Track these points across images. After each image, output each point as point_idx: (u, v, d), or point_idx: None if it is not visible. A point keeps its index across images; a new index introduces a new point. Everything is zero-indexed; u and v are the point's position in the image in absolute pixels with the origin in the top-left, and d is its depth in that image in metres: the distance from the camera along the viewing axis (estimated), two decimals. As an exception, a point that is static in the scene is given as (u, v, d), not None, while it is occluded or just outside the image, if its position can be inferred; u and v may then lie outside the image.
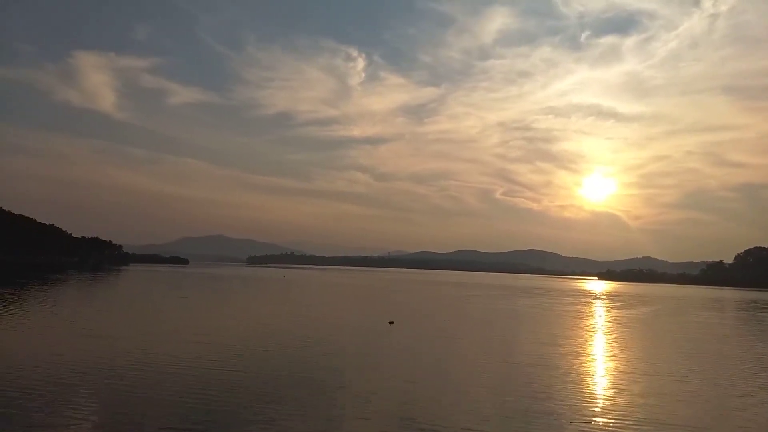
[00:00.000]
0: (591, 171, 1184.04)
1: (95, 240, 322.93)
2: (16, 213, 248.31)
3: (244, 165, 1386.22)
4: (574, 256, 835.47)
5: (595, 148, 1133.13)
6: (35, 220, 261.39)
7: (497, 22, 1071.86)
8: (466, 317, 60.54)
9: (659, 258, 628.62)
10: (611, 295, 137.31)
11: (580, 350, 36.64)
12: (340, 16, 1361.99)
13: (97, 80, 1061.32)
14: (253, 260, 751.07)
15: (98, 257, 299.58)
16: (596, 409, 20.72)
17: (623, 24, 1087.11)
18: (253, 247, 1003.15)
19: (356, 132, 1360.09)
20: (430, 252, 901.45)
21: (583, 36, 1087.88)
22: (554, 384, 24.76)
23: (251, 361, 27.64)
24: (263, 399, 20.12)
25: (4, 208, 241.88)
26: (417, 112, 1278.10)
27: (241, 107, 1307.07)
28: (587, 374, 28.07)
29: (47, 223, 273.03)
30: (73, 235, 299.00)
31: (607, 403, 21.83)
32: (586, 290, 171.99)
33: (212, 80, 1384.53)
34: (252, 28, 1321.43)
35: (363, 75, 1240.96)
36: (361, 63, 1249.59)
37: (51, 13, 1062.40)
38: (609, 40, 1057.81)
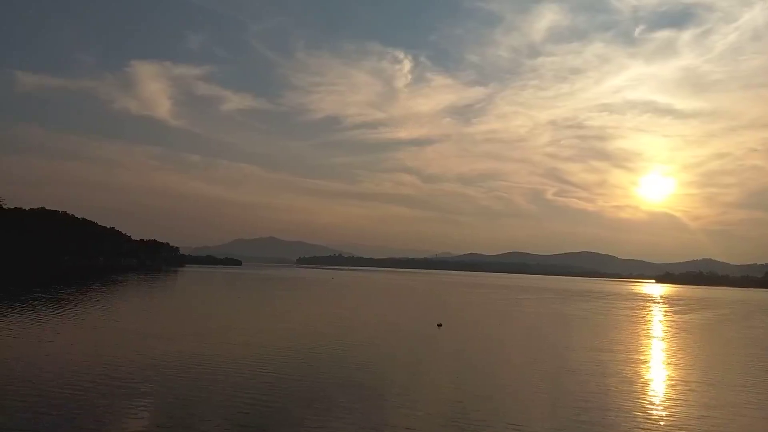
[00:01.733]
0: (648, 170, 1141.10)
1: (153, 242, 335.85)
2: (79, 217, 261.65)
3: (294, 169, 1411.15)
4: (631, 258, 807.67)
5: (652, 145, 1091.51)
6: (97, 223, 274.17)
7: (547, 19, 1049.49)
8: (517, 321, 59.40)
9: (720, 260, 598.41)
10: (670, 299, 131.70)
11: (637, 357, 35.25)
12: (386, 19, 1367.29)
13: (153, 88, 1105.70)
14: (303, 262, 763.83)
15: (156, 259, 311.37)
16: (653, 422, 19.81)
17: (679, 17, 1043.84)
18: (303, 248, 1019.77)
19: (402, 134, 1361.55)
20: (478, 254, 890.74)
21: (637, 30, 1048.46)
22: (609, 393, 23.84)
23: (301, 362, 27.95)
24: (312, 402, 20.28)
25: (68, 212, 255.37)
26: (464, 113, 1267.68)
27: (290, 112, 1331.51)
28: (645, 383, 26.94)
29: (108, 227, 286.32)
30: (132, 238, 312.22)
31: (665, 414, 20.82)
32: (643, 294, 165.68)
33: (262, 86, 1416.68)
34: (300, 35, 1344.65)
35: (409, 77, 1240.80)
36: (407, 65, 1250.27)
37: (109, 24, 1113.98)
38: (664, 34, 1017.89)
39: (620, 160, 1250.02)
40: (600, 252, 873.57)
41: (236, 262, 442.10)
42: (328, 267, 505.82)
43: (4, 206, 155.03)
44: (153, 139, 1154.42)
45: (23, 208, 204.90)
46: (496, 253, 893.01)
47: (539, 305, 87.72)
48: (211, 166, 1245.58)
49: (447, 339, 40.30)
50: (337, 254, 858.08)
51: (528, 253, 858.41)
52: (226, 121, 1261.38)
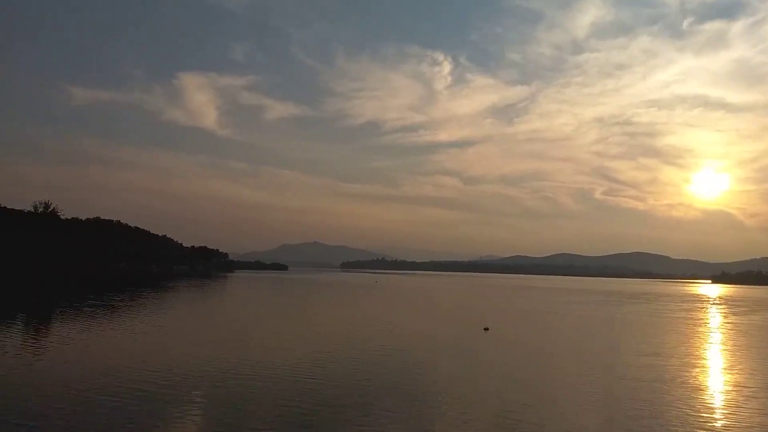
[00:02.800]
0: (700, 166, 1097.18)
1: (203, 249, 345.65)
2: (133, 226, 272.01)
3: (336, 174, 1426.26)
4: (684, 258, 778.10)
5: (704, 141, 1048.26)
6: (150, 231, 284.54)
7: (590, 14, 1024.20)
8: (566, 324, 58.16)
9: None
10: (728, 300, 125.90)
11: (694, 362, 33.93)
12: (425, 21, 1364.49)
13: (200, 99, 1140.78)
14: (346, 266, 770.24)
15: (206, 265, 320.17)
16: (710, 430, 19.06)
17: (729, 8, 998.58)
18: (346, 253, 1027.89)
19: (443, 136, 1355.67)
20: (523, 256, 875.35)
21: (685, 23, 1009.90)
22: (664, 400, 22.98)
23: (346, 367, 28.22)
24: (358, 407, 20.41)
25: (122, 221, 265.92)
26: (506, 113, 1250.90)
27: (331, 118, 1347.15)
28: (702, 389, 25.89)
29: (161, 235, 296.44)
30: (184, 245, 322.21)
31: (724, 423, 19.92)
32: (698, 295, 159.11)
33: (304, 94, 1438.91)
34: (340, 41, 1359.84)
35: (449, 78, 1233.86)
36: (447, 67, 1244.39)
37: (157, 38, 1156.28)
38: (714, 25, 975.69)
39: (671, 157, 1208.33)
40: (652, 252, 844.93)
41: (282, 267, 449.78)
42: (372, 271, 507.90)
43: (61, 216, 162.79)
44: (201, 148, 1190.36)
45: (80, 218, 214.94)
46: (542, 255, 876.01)
47: (589, 308, 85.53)
48: (256, 173, 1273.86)
49: (494, 343, 39.87)
50: (379, 258, 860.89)
51: (576, 255, 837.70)
52: (269, 128, 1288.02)
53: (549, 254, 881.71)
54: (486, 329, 46.96)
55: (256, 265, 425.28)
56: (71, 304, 61.20)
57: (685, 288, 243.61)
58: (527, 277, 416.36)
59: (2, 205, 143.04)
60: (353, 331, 44.15)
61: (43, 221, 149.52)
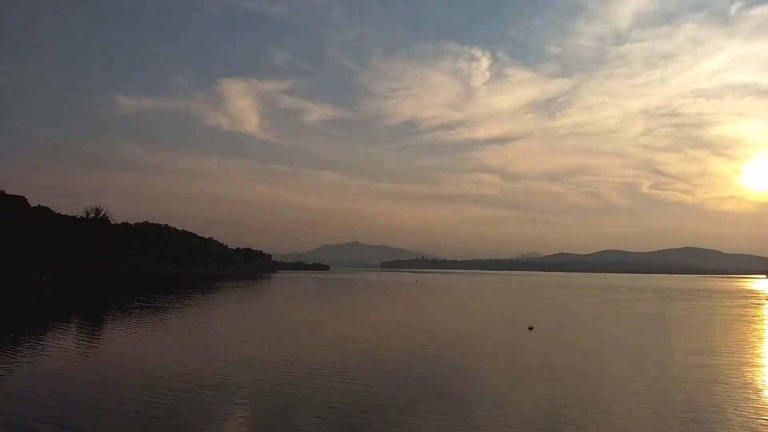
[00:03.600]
0: (752, 157, 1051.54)
1: (248, 250, 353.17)
2: (180, 229, 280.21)
3: (375, 174, 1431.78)
4: (737, 252, 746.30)
5: (756, 130, 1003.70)
6: (197, 234, 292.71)
7: (632, 4, 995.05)
8: (615, 323, 56.51)
9: None
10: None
11: (751, 361, 32.36)
12: (463, 18, 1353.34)
13: (242, 104, 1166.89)
14: (386, 265, 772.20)
15: (251, 266, 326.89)
16: (777, 433, 18.08)
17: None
18: (387, 252, 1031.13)
19: (482, 133, 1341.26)
20: (568, 253, 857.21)
21: (733, 9, 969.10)
22: (719, 403, 21.91)
23: (389, 366, 28.18)
24: (401, 408, 20.31)
25: (169, 225, 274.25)
26: (547, 107, 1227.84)
27: (369, 119, 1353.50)
28: (760, 390, 24.63)
29: (207, 237, 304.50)
30: (229, 247, 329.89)
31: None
32: (753, 290, 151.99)
33: (342, 96, 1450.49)
34: (376, 41, 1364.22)
35: (487, 74, 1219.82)
36: (485, 62, 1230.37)
37: (199, 46, 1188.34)
38: (764, 10, 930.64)
39: (720, 148, 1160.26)
40: (703, 247, 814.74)
41: (324, 267, 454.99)
42: (412, 270, 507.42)
43: (112, 221, 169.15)
44: (244, 152, 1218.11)
45: (129, 222, 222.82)
46: (588, 252, 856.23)
47: (638, 306, 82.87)
48: (297, 175, 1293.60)
49: (539, 342, 39.09)
50: (420, 257, 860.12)
51: (624, 251, 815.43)
52: (309, 131, 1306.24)
53: (595, 251, 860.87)
54: (530, 328, 46.12)
55: (298, 266, 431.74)
56: (123, 305, 63.51)
57: (739, 283, 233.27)
58: (572, 275, 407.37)
59: (56, 212, 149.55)
60: (395, 331, 44.12)
61: (95, 226, 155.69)
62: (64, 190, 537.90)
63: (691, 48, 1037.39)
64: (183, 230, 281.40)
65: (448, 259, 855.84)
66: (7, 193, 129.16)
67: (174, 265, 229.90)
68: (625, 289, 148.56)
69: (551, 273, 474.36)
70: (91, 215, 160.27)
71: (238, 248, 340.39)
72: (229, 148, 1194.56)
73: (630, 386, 24.95)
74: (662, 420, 19.39)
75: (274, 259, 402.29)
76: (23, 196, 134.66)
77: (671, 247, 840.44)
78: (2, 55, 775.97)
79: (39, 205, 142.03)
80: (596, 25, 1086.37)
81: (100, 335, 39.48)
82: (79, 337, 37.53)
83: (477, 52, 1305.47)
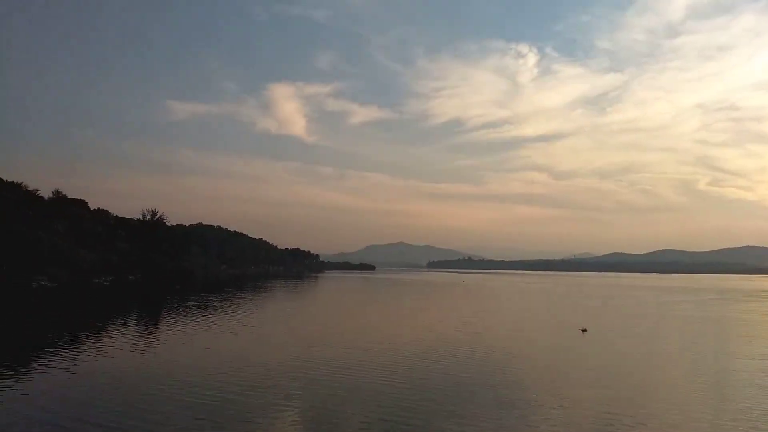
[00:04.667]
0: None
1: (296, 251, 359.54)
2: (232, 230, 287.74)
3: (420, 174, 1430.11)
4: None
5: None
6: (247, 235, 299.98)
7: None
8: (672, 325, 54.10)
9: None
10: None
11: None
12: (508, 14, 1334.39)
13: (289, 108, 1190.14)
14: (432, 266, 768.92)
15: (300, 266, 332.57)
16: None
17: None
18: (432, 252, 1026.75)
19: (529, 131, 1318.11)
20: (621, 253, 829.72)
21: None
22: (796, 410, 20.55)
23: (438, 367, 27.84)
24: (451, 410, 19.99)
25: (222, 226, 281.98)
26: (597, 103, 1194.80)
27: (414, 119, 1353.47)
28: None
29: (257, 238, 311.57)
30: (278, 247, 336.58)
31: None
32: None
33: (386, 97, 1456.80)
34: (420, 42, 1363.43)
35: (535, 71, 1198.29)
36: (532, 59, 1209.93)
37: (248, 52, 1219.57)
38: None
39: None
40: (765, 246, 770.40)
41: (370, 268, 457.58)
42: (458, 270, 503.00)
43: (167, 223, 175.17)
44: (291, 154, 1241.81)
45: (184, 224, 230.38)
46: (642, 252, 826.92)
47: (697, 308, 79.12)
48: (342, 177, 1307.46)
49: (592, 345, 37.80)
50: (466, 258, 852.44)
51: (680, 251, 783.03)
52: (354, 133, 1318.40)
53: (649, 251, 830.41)
54: (583, 330, 44.71)
55: (345, 266, 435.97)
56: (177, 305, 65.56)
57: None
58: (626, 275, 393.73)
59: (114, 214, 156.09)
60: (442, 332, 43.65)
61: (151, 228, 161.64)
62: (121, 194, 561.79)
63: (749, 39, 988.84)
64: (234, 231, 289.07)
65: (495, 259, 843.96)
66: (69, 197, 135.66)
67: (226, 265, 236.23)
68: (682, 290, 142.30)
69: (604, 273, 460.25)
70: (148, 217, 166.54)
71: (286, 249, 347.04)
72: (277, 150, 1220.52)
73: (686, 392, 23.77)
74: (721, 426, 18.27)
75: (321, 259, 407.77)
76: (83, 200, 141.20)
77: (731, 246, 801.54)
78: (63, 66, 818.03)
79: (98, 208, 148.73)
80: (648, 18, 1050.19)
81: (155, 334, 40.80)
82: (135, 337, 38.87)
83: (524, 49, 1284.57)
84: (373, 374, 25.73)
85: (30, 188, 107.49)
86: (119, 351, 31.19)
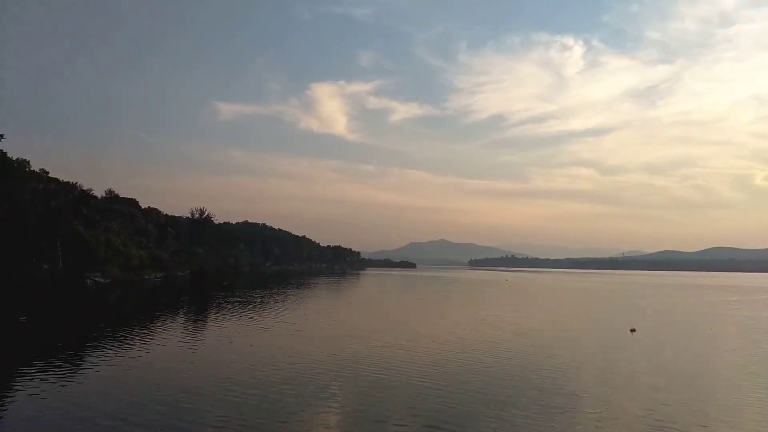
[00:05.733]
0: None
1: (338, 248, 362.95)
2: (276, 227, 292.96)
3: (461, 171, 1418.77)
4: None
5: None
6: (291, 232, 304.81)
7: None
8: (727, 326, 51.70)
9: None
10: None
11: None
12: (552, 6, 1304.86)
13: (331, 107, 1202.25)
14: (474, 264, 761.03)
15: (341, 263, 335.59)
16: None
17: None
18: (474, 250, 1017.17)
19: (576, 125, 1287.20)
20: (673, 251, 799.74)
21: None
22: None
23: (481, 367, 27.50)
24: (487, 412, 19.64)
25: (267, 224, 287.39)
26: (647, 95, 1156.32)
27: (456, 116, 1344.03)
28: None
29: (301, 235, 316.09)
30: (321, 245, 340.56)
31: None
32: None
33: (428, 94, 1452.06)
34: (463, 36, 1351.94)
35: (581, 63, 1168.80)
36: (578, 51, 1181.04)
37: (291, 53, 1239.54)
38: None
39: None
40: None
41: (411, 265, 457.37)
42: (501, 268, 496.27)
43: (215, 221, 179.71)
44: (333, 153, 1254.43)
45: (230, 222, 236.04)
46: (696, 250, 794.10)
47: (753, 307, 75.39)
48: (384, 175, 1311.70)
49: (642, 346, 36.53)
50: (509, 255, 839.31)
51: (736, 248, 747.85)
52: (395, 130, 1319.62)
53: (703, 248, 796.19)
54: (632, 330, 43.29)
55: (386, 263, 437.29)
56: (224, 301, 67.19)
57: None
58: (678, 273, 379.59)
59: (165, 212, 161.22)
60: (486, 331, 43.07)
61: (200, 226, 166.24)
62: (171, 193, 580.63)
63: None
64: (279, 229, 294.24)
65: (540, 257, 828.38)
66: (121, 196, 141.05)
67: (271, 262, 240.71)
68: (737, 289, 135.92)
69: (655, 272, 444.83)
70: (196, 215, 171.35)
71: (329, 246, 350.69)
72: (320, 149, 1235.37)
73: (741, 394, 22.60)
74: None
75: (362, 256, 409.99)
76: (135, 199, 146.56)
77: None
78: (112, 68, 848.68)
79: (149, 206, 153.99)
80: (700, 7, 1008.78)
81: (200, 331, 41.88)
82: (182, 333, 40.01)
83: (569, 41, 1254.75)
84: (412, 373, 25.59)
85: (84, 188, 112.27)
86: (165, 347, 32.14)
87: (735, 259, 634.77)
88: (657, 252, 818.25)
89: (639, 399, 21.75)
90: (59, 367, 25.38)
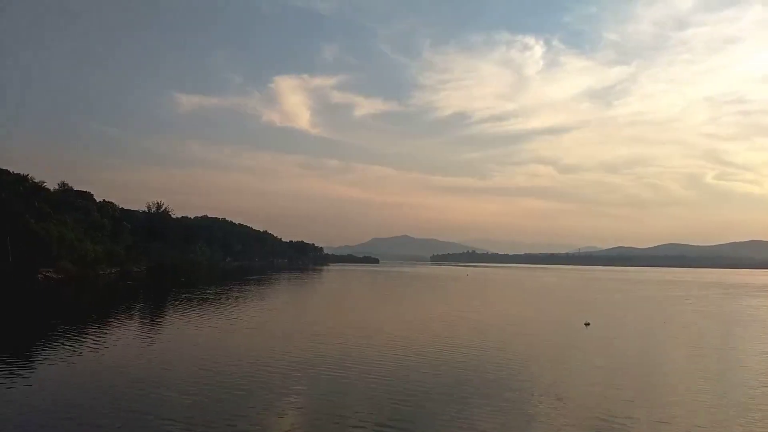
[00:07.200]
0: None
1: (301, 243, 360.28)
2: (237, 222, 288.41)
3: (424, 167, 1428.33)
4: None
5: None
6: (252, 227, 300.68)
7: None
8: (676, 321, 53.94)
9: None
10: None
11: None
12: (514, 7, 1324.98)
13: (294, 101, 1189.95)
14: (436, 259, 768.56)
15: (304, 259, 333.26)
16: None
17: None
18: (436, 246, 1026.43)
19: (535, 123, 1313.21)
20: (627, 247, 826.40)
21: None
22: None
23: (436, 363, 27.83)
24: (443, 408, 19.97)
25: (227, 218, 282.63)
26: (604, 95, 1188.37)
27: (419, 112, 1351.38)
28: None
29: (262, 230, 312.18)
30: (283, 240, 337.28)
31: None
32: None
33: (392, 90, 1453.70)
34: (426, 33, 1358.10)
35: (541, 63, 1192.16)
36: (538, 51, 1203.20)
37: (253, 45, 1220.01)
38: None
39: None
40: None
41: (374, 261, 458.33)
42: (462, 264, 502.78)
43: (172, 215, 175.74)
44: (296, 147, 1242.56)
45: (189, 216, 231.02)
46: (648, 246, 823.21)
47: (704, 302, 78.84)
48: (347, 170, 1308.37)
49: (595, 339, 37.77)
50: (470, 251, 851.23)
51: (687, 245, 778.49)
52: (359, 125, 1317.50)
53: (656, 244, 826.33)
54: (587, 324, 44.67)
55: (349, 259, 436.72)
56: (182, 297, 65.88)
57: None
58: (632, 269, 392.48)
59: (120, 206, 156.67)
60: (445, 327, 43.66)
61: (157, 220, 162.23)
62: (127, 186, 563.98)
63: (758, 31, 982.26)
64: (239, 223, 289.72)
65: (500, 253, 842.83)
66: (75, 188, 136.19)
67: (230, 257, 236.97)
68: (688, 285, 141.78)
69: (610, 267, 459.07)
70: (153, 209, 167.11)
71: (291, 241, 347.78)
72: (283, 143, 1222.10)
73: (689, 388, 23.67)
74: (722, 421, 18.25)
75: (325, 252, 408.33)
76: (89, 192, 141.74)
77: (738, 240, 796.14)
78: (68, 58, 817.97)
79: (104, 200, 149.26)
80: (656, 10, 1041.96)
81: (157, 328, 41.06)
82: (138, 330, 39.17)
83: (530, 41, 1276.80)
84: (371, 371, 25.60)
85: (36, 180, 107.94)
86: (119, 346, 31.35)
87: (685, 255, 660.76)
88: (611, 248, 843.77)
89: (592, 393, 22.50)
90: (5, 368, 24.45)
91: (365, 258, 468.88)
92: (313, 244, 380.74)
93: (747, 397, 21.94)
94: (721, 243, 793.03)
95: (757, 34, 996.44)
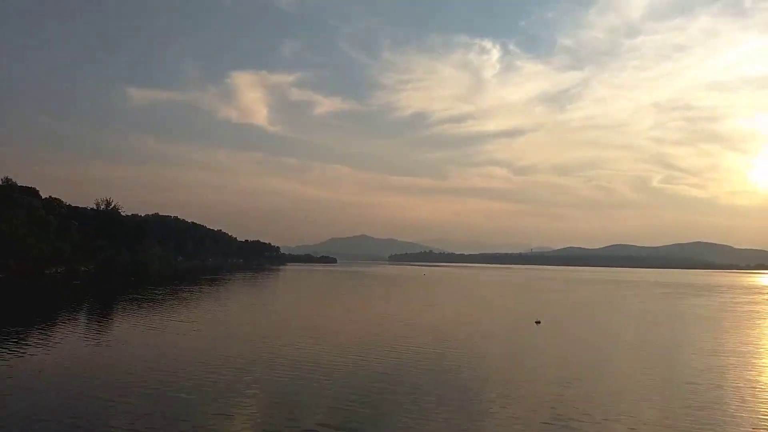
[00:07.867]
0: (766, 151, 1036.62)
1: (257, 243, 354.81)
2: (189, 221, 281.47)
3: (384, 167, 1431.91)
4: (749, 248, 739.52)
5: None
6: (206, 226, 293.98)
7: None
8: (623, 319, 56.06)
9: None
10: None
11: (762, 361, 31.93)
12: (474, 9, 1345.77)
13: (252, 97, 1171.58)
14: (394, 259, 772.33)
15: (260, 259, 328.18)
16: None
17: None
18: (395, 245, 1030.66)
19: (491, 126, 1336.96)
20: (578, 247, 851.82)
21: (749, 0, 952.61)
22: (730, 404, 21.56)
23: (388, 363, 27.93)
24: (402, 403, 20.15)
25: (179, 216, 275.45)
26: (558, 99, 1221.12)
27: (379, 112, 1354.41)
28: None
29: (216, 229, 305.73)
30: (238, 239, 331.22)
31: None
32: (766, 286, 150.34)
33: (352, 88, 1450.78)
34: (387, 33, 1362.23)
35: (498, 66, 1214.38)
36: (495, 54, 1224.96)
37: (210, 39, 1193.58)
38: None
39: (734, 142, 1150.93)
40: (714, 242, 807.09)
41: (332, 260, 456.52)
42: (420, 264, 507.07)
43: (122, 213, 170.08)
44: (253, 145, 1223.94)
45: (139, 214, 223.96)
46: (598, 246, 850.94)
47: (648, 301, 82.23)
48: (306, 169, 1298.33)
49: (546, 337, 38.81)
50: (428, 251, 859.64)
51: (633, 245, 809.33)
52: (318, 124, 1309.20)
53: (605, 245, 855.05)
54: (538, 322, 45.84)
55: (307, 258, 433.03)
56: (132, 298, 63.93)
57: (751, 279, 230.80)
58: (582, 269, 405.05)
59: (67, 203, 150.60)
60: (400, 325, 43.92)
61: (106, 217, 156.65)
62: (75, 182, 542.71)
63: (704, 40, 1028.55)
64: (192, 222, 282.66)
65: (456, 252, 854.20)
66: (19, 184, 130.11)
67: (183, 257, 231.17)
68: (634, 284, 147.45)
69: (561, 267, 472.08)
70: (102, 207, 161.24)
71: (247, 240, 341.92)
72: (239, 140, 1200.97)
73: (636, 384, 24.62)
74: (668, 416, 19.09)
75: (282, 251, 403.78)
76: (35, 188, 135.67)
77: (682, 242, 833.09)
78: (10, 48, 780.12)
79: (50, 196, 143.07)
80: (609, 17, 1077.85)
81: (106, 330, 39.76)
82: (86, 332, 37.83)
83: (487, 44, 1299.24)
84: (322, 371, 25.46)
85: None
86: (67, 347, 30.19)
87: (633, 255, 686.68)
88: (563, 248, 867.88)
89: (542, 391, 23.07)
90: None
91: (323, 258, 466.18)
92: (270, 244, 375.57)
93: (689, 392, 22.91)
94: (666, 244, 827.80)
95: (703, 43, 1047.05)
